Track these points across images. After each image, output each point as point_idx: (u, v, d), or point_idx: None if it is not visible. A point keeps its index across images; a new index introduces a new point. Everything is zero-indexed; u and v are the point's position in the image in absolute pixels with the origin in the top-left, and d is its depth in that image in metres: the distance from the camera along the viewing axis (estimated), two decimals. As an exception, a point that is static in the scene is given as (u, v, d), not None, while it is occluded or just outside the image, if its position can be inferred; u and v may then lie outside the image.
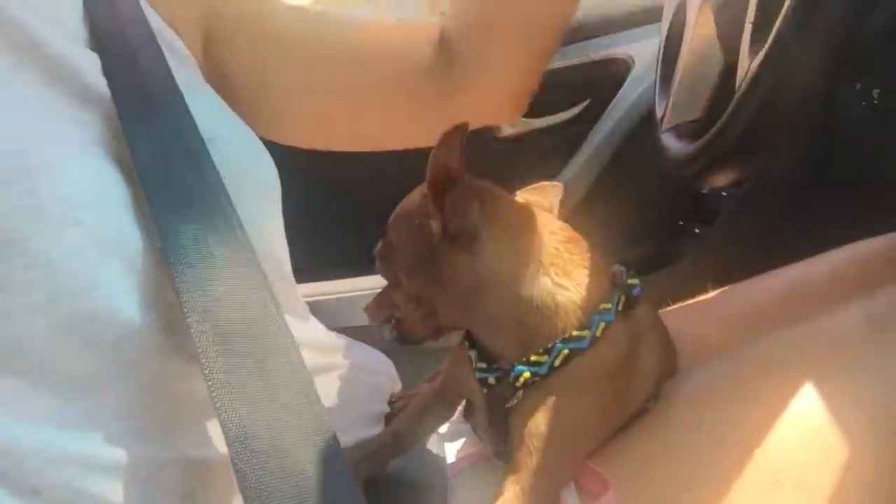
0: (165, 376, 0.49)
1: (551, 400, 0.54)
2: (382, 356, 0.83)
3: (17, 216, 0.43)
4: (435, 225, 0.55)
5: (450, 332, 0.61)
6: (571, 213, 1.30)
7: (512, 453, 0.55)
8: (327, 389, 0.62)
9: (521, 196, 0.63)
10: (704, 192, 1.31)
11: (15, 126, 0.46)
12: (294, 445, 0.44)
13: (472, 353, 0.59)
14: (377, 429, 0.70)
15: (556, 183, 0.67)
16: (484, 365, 0.58)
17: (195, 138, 0.52)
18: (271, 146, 0.65)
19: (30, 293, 0.43)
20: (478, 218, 0.54)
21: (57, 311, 0.44)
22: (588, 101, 1.37)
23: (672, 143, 0.83)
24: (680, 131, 0.84)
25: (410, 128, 0.74)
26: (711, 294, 0.83)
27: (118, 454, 0.47)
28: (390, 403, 0.75)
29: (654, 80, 0.99)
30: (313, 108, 0.73)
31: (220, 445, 0.47)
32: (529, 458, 0.54)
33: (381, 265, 0.60)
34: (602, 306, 0.55)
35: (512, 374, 0.55)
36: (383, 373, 0.80)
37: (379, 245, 0.60)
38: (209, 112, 0.57)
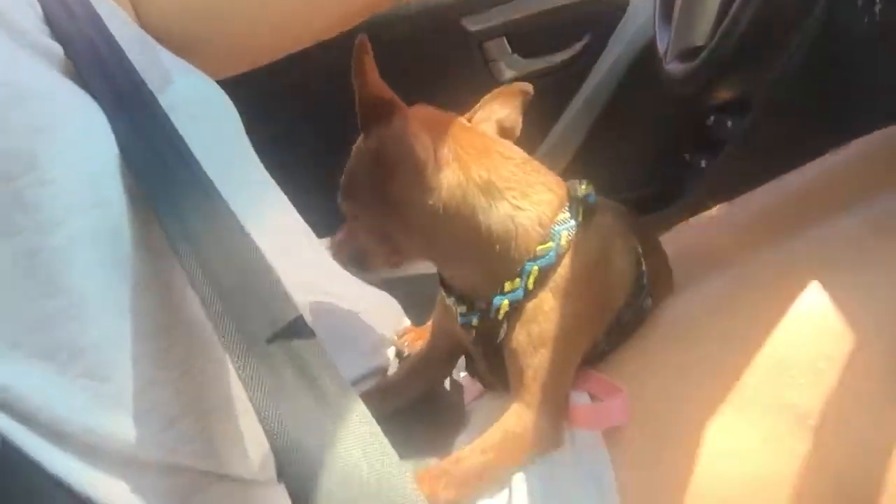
0: (173, 302, 0.50)
1: (535, 318, 0.55)
2: (386, 295, 0.84)
3: (24, 135, 0.45)
4: (377, 164, 0.55)
5: (413, 262, 0.61)
6: (575, 154, 1.32)
7: (511, 382, 0.57)
8: (333, 322, 0.63)
9: (484, 107, 0.63)
10: (709, 123, 1.30)
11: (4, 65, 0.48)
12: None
13: (451, 300, 0.60)
14: (382, 359, 0.72)
15: (523, 84, 0.65)
16: (464, 308, 0.59)
17: (168, 124, 0.53)
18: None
19: (43, 209, 0.44)
20: (422, 150, 0.54)
21: (70, 226, 0.45)
22: (587, 38, 1.35)
23: (676, 68, 0.82)
24: (683, 56, 0.84)
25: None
26: (715, 210, 0.83)
27: (140, 383, 0.48)
28: (399, 338, 0.76)
29: (652, 12, 0.98)
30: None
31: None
32: (527, 378, 0.55)
33: (343, 201, 0.60)
34: (561, 216, 0.56)
35: (492, 309, 0.56)
36: (388, 306, 0.81)
37: (342, 180, 0.60)
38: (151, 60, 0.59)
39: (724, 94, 0.75)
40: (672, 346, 0.60)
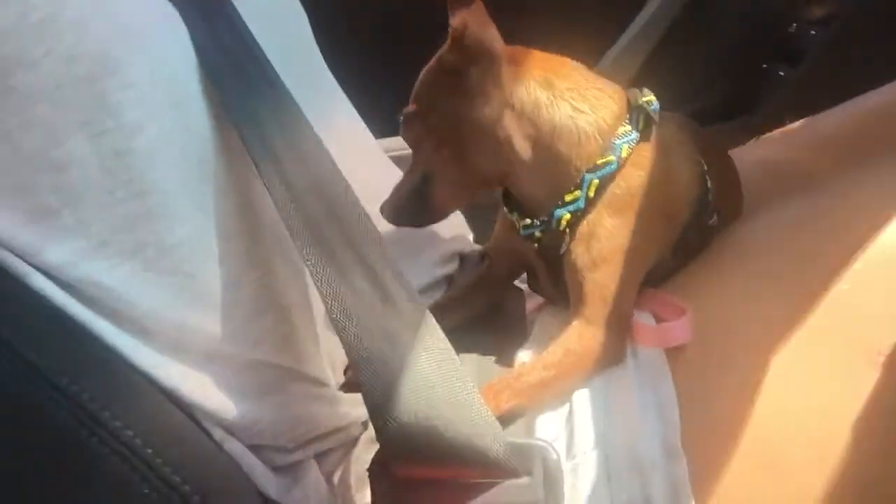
0: (254, 204, 0.51)
1: (597, 230, 0.56)
2: None
3: (106, 39, 0.45)
4: (455, 48, 0.56)
5: (482, 190, 0.62)
6: (650, 55, 1.27)
7: (571, 298, 0.58)
8: (401, 231, 0.64)
9: None
10: (791, 31, 1.23)
11: None
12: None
13: (513, 216, 0.61)
14: (449, 268, 0.73)
15: None
16: (527, 221, 0.59)
17: (245, 29, 0.54)
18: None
19: (127, 112, 0.45)
20: (494, 34, 0.56)
21: (152, 128, 0.46)
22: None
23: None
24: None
25: None
26: (796, 124, 0.80)
27: (224, 281, 0.50)
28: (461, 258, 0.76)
29: None
30: None
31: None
32: (587, 293, 0.56)
33: (408, 126, 0.61)
34: (621, 129, 0.57)
35: (553, 220, 0.57)
36: (452, 215, 0.82)
37: (407, 108, 0.61)
38: None
39: (821, 8, 0.71)
40: (742, 270, 0.59)
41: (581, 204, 0.57)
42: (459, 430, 0.44)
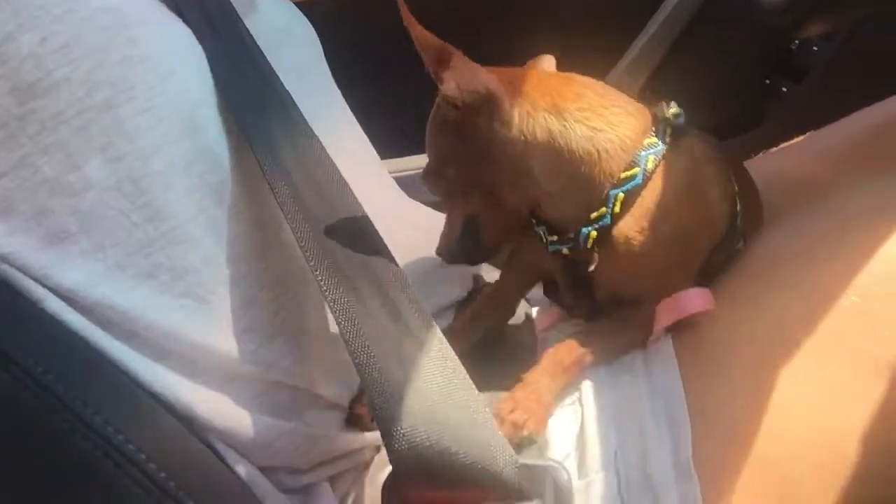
0: (269, 225, 0.52)
1: (626, 246, 0.56)
2: None
3: (125, 64, 0.46)
4: (453, 106, 0.55)
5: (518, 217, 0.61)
6: (650, 76, 1.27)
7: (601, 309, 0.58)
8: (414, 253, 0.64)
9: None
10: (794, 47, 1.24)
11: None
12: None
13: (541, 229, 0.60)
14: (462, 291, 0.73)
15: (546, 56, 0.66)
16: (555, 237, 0.59)
17: (257, 51, 0.55)
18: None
19: (144, 137, 0.46)
20: (486, 78, 0.54)
21: (169, 152, 0.47)
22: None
23: (769, -4, 0.78)
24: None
25: None
26: (801, 138, 0.81)
27: (239, 303, 0.50)
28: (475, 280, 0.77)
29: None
30: None
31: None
32: (620, 303, 0.57)
33: (432, 183, 0.61)
34: (647, 141, 0.55)
35: (581, 238, 0.56)
36: None
37: (425, 167, 0.61)
38: None
39: (820, 27, 0.71)
40: (751, 282, 0.59)
41: (608, 220, 0.55)
42: (471, 453, 0.44)
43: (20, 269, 0.45)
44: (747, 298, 0.58)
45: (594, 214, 0.56)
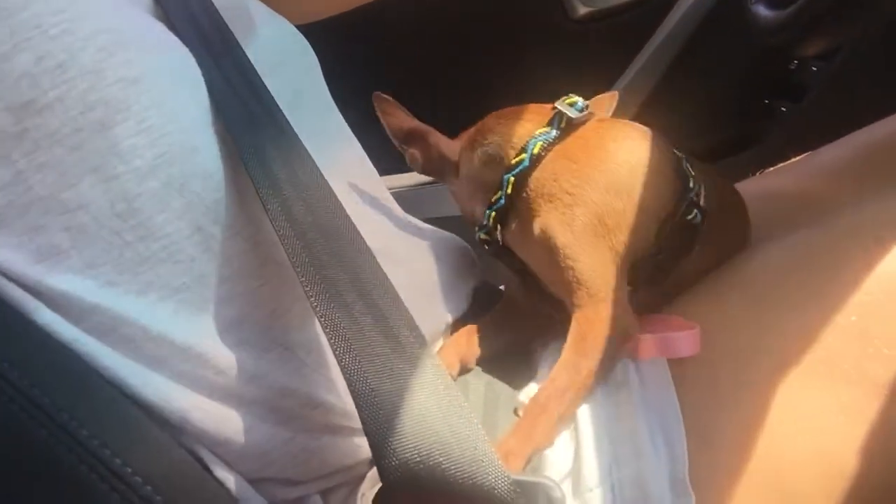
0: (264, 243, 0.52)
1: (523, 225, 0.62)
2: (461, 241, 0.84)
3: (120, 85, 0.46)
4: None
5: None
6: (649, 96, 1.28)
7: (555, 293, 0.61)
8: (409, 271, 0.64)
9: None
10: (792, 67, 1.24)
11: (104, 11, 0.48)
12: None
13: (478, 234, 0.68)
14: (458, 310, 0.73)
15: (613, 92, 0.75)
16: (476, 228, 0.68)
17: (252, 72, 0.56)
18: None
19: (139, 157, 0.46)
20: (447, 150, 0.70)
21: (164, 172, 0.47)
22: (666, -26, 1.30)
23: (763, 12, 0.79)
24: (772, 1, 0.80)
25: None
26: (800, 157, 0.81)
27: (230, 321, 0.50)
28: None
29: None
30: None
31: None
32: (558, 280, 0.59)
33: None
34: (538, 131, 0.63)
35: (487, 220, 0.65)
36: (462, 254, 0.82)
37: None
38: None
39: (817, 46, 0.72)
40: (747, 300, 0.59)
41: (502, 201, 0.63)
42: (463, 469, 0.43)
43: (11, 279, 0.44)
44: (745, 315, 0.58)
45: (493, 198, 0.63)
